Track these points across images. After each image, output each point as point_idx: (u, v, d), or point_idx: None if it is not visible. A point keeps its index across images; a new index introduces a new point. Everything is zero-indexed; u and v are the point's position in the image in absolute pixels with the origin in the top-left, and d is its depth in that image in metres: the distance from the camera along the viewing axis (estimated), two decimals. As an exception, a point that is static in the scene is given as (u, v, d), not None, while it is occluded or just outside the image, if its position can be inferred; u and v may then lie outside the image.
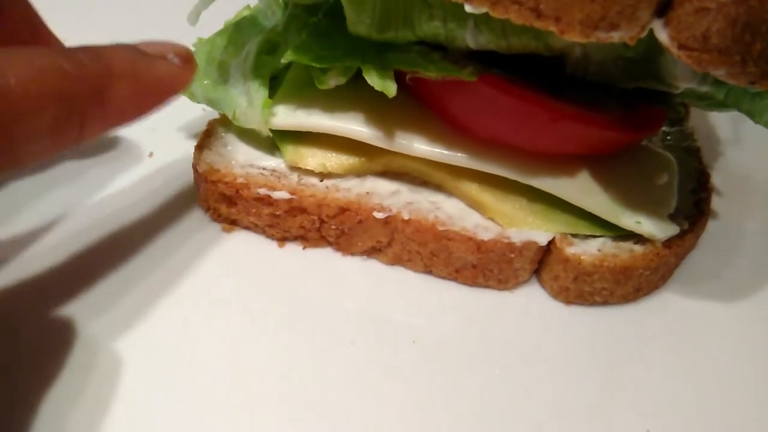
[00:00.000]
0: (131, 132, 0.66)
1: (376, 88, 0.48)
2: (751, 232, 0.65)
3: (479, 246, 0.53)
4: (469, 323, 0.55)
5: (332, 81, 0.52)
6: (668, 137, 0.65)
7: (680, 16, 0.38)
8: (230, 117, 0.57)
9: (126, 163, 0.63)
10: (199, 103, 0.60)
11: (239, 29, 0.61)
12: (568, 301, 0.56)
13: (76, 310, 0.51)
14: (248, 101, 0.56)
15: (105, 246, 0.56)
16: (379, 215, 0.54)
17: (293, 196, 0.55)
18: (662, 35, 0.39)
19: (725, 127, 0.76)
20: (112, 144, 0.65)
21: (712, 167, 0.71)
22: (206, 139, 0.59)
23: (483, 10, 0.39)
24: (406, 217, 0.54)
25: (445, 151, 0.53)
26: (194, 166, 0.57)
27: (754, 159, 0.73)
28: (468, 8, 0.39)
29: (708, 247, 0.62)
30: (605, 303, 0.56)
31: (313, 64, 0.50)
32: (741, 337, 0.56)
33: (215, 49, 0.61)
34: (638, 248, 0.54)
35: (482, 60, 0.49)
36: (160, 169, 0.63)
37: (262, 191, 0.55)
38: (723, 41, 0.37)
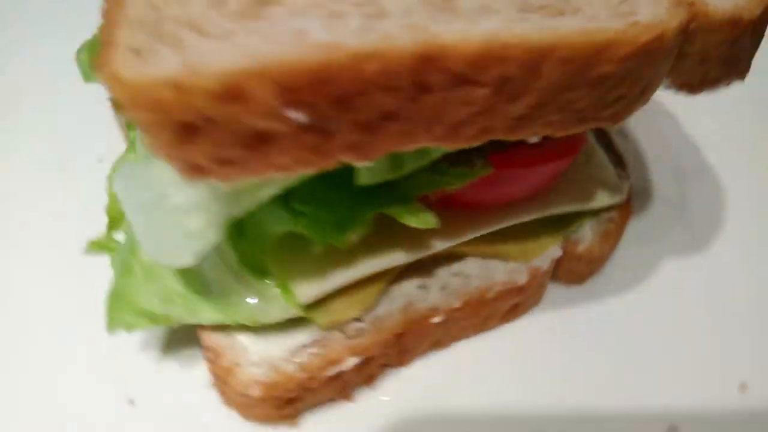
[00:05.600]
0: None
1: (416, 225, 0.47)
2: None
3: (520, 290, 0.58)
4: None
5: (353, 235, 0.48)
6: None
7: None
8: (248, 323, 0.49)
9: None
10: (171, 326, 0.50)
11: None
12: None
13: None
14: (257, 294, 0.49)
15: None
16: (437, 320, 0.54)
17: (361, 356, 0.51)
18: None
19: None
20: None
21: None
22: (215, 361, 0.50)
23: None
24: (457, 305, 0.55)
25: (454, 238, 0.54)
26: (242, 395, 0.48)
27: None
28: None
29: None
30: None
31: (334, 233, 0.46)
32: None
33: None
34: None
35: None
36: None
37: (332, 371, 0.50)
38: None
